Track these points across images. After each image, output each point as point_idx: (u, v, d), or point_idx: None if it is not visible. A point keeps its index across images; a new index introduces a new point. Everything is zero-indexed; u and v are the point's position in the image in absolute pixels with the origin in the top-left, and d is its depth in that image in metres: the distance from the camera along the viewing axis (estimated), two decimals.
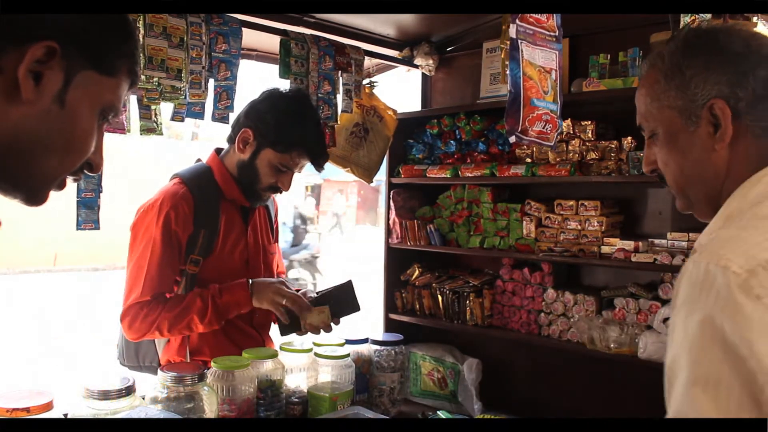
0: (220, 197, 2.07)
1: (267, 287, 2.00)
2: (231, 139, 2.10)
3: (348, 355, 2.05)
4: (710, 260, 0.87)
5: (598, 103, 2.64)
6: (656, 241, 2.42)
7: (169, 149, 13.47)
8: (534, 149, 2.71)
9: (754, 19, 2.26)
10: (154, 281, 1.95)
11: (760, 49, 1.03)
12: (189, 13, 2.08)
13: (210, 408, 1.66)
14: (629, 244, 2.42)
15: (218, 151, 2.17)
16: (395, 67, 3.18)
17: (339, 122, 2.65)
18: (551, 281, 2.71)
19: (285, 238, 9.31)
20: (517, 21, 2.00)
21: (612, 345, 2.40)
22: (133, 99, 2.11)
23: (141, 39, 2.00)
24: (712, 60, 1.04)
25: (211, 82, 2.21)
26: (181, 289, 2.00)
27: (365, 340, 2.25)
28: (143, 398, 1.64)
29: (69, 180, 0.86)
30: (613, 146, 2.51)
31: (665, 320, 2.29)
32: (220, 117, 2.22)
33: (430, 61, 3.13)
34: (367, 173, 2.96)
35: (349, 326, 2.35)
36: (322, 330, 2.06)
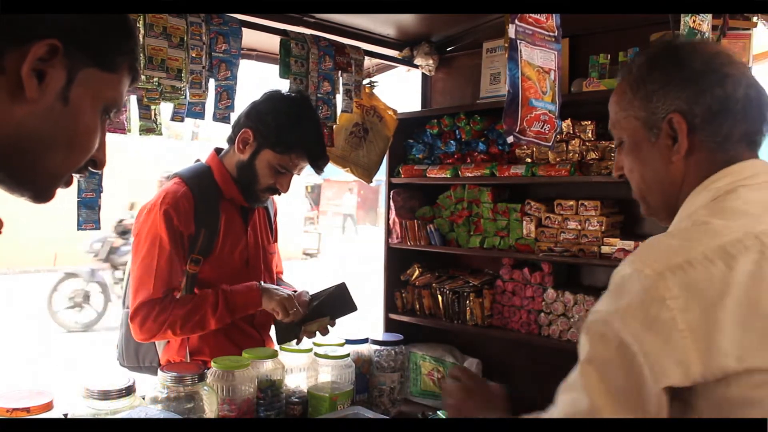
0: (219, 197, 2.07)
1: (276, 295, 2.02)
2: (231, 140, 2.10)
3: (348, 355, 2.05)
4: (633, 262, 0.96)
5: (598, 103, 2.62)
6: None
7: (169, 149, 13.47)
8: (534, 149, 2.72)
9: (754, 18, 2.26)
10: (165, 277, 1.94)
11: (720, 68, 1.07)
12: (189, 13, 2.08)
13: (210, 408, 1.66)
14: (629, 244, 2.42)
15: (218, 151, 2.17)
16: (395, 67, 3.18)
17: (338, 122, 2.65)
18: (551, 281, 2.71)
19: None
20: (516, 21, 2.00)
21: None
22: (133, 99, 2.11)
23: (141, 39, 2.00)
24: (673, 76, 1.09)
25: (212, 82, 2.21)
26: (181, 290, 2.00)
27: (365, 340, 2.25)
28: (143, 398, 1.64)
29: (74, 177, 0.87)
30: (613, 146, 2.50)
31: None
32: (221, 117, 2.22)
33: (430, 61, 3.14)
34: (366, 173, 2.96)
35: (349, 326, 2.35)
36: (318, 333, 2.09)
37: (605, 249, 2.51)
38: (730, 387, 0.89)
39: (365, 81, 2.82)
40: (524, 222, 2.74)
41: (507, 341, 2.87)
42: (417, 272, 3.13)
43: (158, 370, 1.70)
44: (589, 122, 2.58)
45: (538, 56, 2.08)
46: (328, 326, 2.11)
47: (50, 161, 0.81)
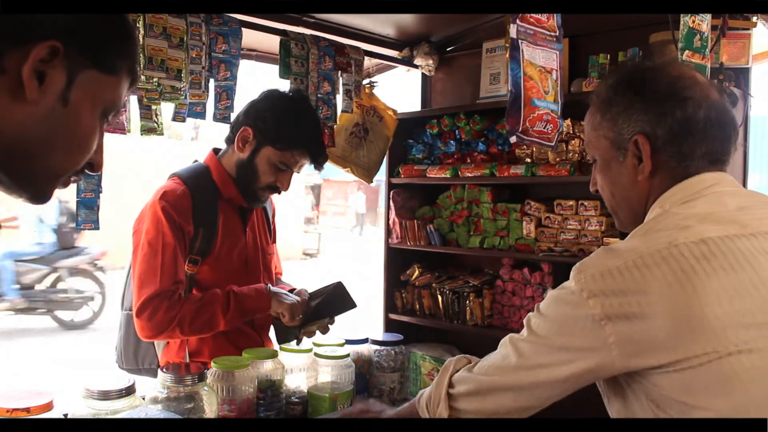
0: (217, 197, 2.07)
1: (285, 300, 2.04)
2: (230, 140, 2.09)
3: (348, 355, 2.05)
4: (577, 266, 1.10)
5: None
6: None
7: (169, 149, 13.47)
8: (534, 149, 2.72)
9: (754, 18, 2.27)
10: (171, 270, 1.93)
11: (680, 91, 1.13)
12: (189, 14, 2.08)
13: (210, 408, 1.66)
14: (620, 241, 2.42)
15: (216, 151, 2.17)
16: (395, 67, 3.18)
17: (339, 122, 2.65)
18: (551, 281, 2.71)
19: (48, 239, 7.54)
20: (518, 21, 2.00)
21: None
22: (133, 99, 2.11)
23: (141, 39, 2.00)
24: (636, 99, 1.16)
25: (211, 82, 2.21)
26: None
27: (365, 340, 2.25)
28: (143, 398, 1.64)
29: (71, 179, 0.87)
30: None
31: None
32: (221, 117, 2.22)
33: (430, 61, 3.14)
34: (366, 173, 2.96)
35: (348, 327, 2.35)
36: (318, 332, 2.10)
37: None
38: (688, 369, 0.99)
39: (365, 81, 2.82)
40: (524, 222, 2.74)
41: None
42: (417, 272, 3.13)
43: (158, 370, 1.70)
44: None
45: (539, 56, 2.08)
46: (328, 325, 2.12)
47: (49, 162, 0.81)
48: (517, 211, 2.78)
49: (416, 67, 3.18)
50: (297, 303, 2.04)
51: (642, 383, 1.04)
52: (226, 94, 2.22)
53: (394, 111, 3.03)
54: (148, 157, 12.79)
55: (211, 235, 2.03)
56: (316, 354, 2.02)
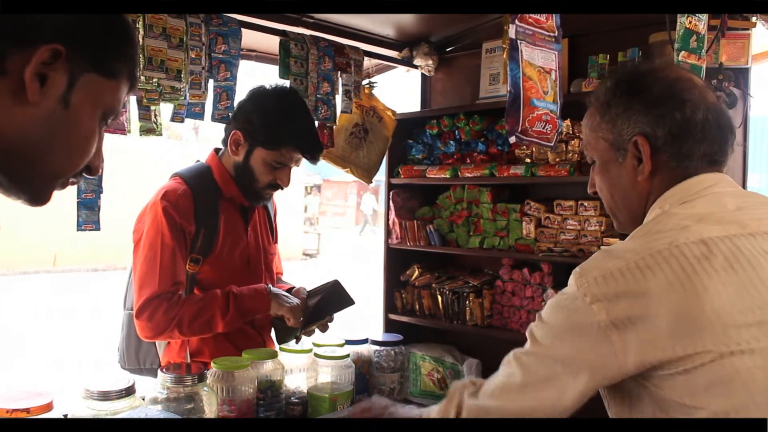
0: (219, 196, 2.07)
1: (286, 302, 2.04)
2: (225, 142, 2.10)
3: (348, 356, 2.05)
4: (577, 270, 1.08)
5: None
6: None
7: (169, 150, 13.47)
8: (533, 149, 2.72)
9: (753, 19, 2.27)
10: (170, 271, 1.93)
11: (679, 93, 1.14)
12: (188, 14, 2.08)
13: (210, 409, 1.66)
14: (619, 242, 2.42)
15: (217, 150, 2.17)
16: (395, 67, 3.18)
17: (338, 123, 2.65)
18: (551, 281, 2.71)
19: None
20: (516, 21, 2.00)
21: None
22: (132, 100, 2.11)
23: (141, 40, 2.00)
24: (635, 101, 1.17)
25: (211, 83, 2.20)
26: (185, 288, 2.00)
27: (365, 341, 2.25)
28: (143, 399, 1.64)
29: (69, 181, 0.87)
30: None
31: None
32: (220, 117, 2.22)
33: (430, 62, 3.14)
34: (366, 174, 2.96)
35: (348, 327, 2.35)
36: (318, 330, 2.11)
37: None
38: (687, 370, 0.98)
39: (365, 81, 2.83)
40: (524, 222, 2.74)
41: (507, 341, 2.86)
42: (417, 272, 3.13)
43: (158, 371, 1.70)
44: None
45: (538, 56, 2.08)
46: (327, 323, 2.12)
47: (49, 164, 0.81)
48: (516, 211, 2.78)
49: (416, 67, 3.18)
50: (297, 305, 2.04)
51: (645, 386, 1.04)
52: (226, 94, 2.22)
53: (394, 111, 3.03)
54: (147, 157, 12.79)
55: (212, 234, 2.03)
56: (316, 354, 2.02)
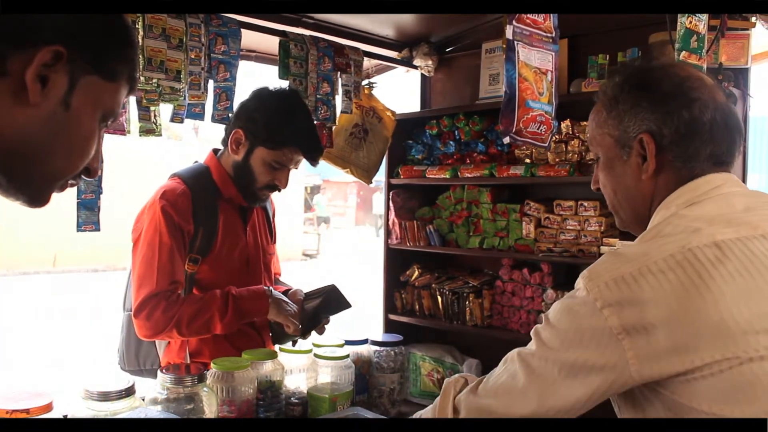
0: (218, 197, 2.07)
1: (285, 309, 2.04)
2: (225, 142, 2.10)
3: (348, 356, 2.05)
4: (587, 274, 1.05)
5: None
6: None
7: (168, 150, 13.47)
8: (533, 150, 2.72)
9: (753, 19, 2.27)
10: (168, 270, 1.93)
11: (688, 92, 1.12)
12: (188, 15, 2.08)
13: (210, 409, 1.66)
14: (628, 244, 2.42)
15: (216, 151, 2.17)
16: (394, 67, 3.18)
17: (338, 123, 2.65)
18: (551, 281, 2.71)
19: None
20: (514, 22, 2.00)
21: None
22: (132, 100, 2.11)
23: (140, 40, 2.00)
24: (643, 98, 1.14)
25: (210, 83, 2.20)
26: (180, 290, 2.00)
27: (365, 341, 2.25)
28: (143, 399, 1.64)
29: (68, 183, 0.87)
30: None
31: None
32: (220, 118, 2.22)
33: (429, 62, 3.14)
34: (366, 174, 2.96)
35: (348, 328, 2.35)
36: (315, 332, 2.12)
37: (604, 249, 2.51)
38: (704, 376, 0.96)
39: (364, 82, 2.83)
40: (523, 222, 2.74)
41: (507, 342, 2.86)
42: (416, 273, 3.13)
43: (158, 371, 1.70)
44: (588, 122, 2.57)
45: (535, 57, 2.08)
46: (324, 325, 2.13)
47: (48, 165, 0.81)
48: (516, 211, 2.78)
49: (415, 67, 3.18)
50: (296, 313, 2.04)
51: (659, 393, 1.01)
52: (225, 95, 2.22)
53: (393, 112, 3.03)
54: (147, 158, 12.79)
55: (211, 234, 2.03)
56: (315, 355, 2.02)
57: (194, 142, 15.98)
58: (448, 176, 2.94)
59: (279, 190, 2.10)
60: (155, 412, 1.56)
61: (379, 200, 23.54)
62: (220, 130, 2.19)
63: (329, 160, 2.82)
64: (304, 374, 2.02)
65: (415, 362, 2.94)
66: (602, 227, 2.53)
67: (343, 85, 2.62)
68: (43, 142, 0.79)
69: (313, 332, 2.12)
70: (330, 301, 2.11)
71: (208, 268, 2.03)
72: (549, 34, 2.13)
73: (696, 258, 0.99)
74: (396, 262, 3.20)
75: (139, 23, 1.98)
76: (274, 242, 2.34)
